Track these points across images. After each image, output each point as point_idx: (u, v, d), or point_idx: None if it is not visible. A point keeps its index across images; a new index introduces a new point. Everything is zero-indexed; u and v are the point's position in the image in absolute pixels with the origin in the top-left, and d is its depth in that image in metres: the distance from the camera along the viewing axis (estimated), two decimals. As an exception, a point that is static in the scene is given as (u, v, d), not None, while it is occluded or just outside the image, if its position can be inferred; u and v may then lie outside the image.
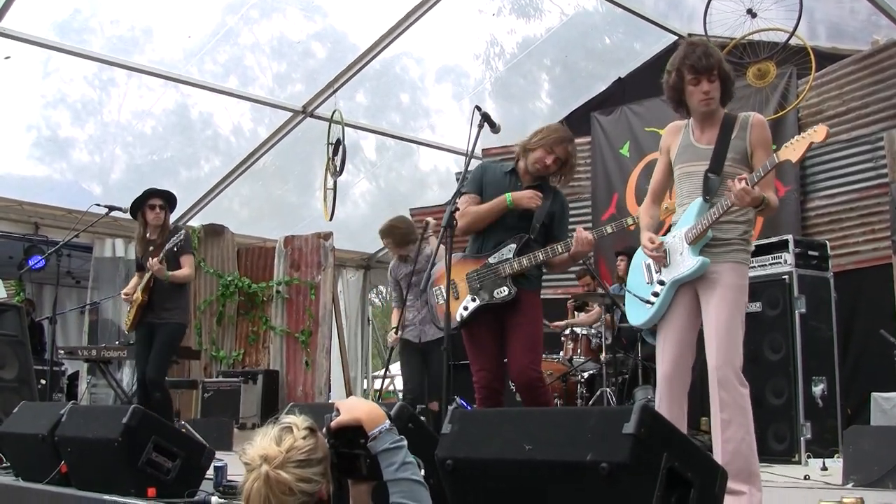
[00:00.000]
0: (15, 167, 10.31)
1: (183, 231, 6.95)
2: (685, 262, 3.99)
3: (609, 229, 4.93)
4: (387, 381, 15.80)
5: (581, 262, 8.71)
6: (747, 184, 3.74)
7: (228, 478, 4.47)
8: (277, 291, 11.70)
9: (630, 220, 4.83)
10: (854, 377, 7.73)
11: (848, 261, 8.22)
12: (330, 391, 11.68)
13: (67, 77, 9.65)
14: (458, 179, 6.06)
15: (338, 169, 9.88)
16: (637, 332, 7.97)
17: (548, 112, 11.27)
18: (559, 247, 4.85)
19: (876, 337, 7.07)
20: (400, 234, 7.30)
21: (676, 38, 10.12)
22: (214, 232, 11.64)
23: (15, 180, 10.26)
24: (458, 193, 4.92)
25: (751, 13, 8.24)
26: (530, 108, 11.60)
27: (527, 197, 4.86)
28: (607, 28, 10.73)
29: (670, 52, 4.35)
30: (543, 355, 6.44)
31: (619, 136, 10.44)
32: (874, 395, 6.54)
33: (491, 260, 4.89)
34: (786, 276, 6.88)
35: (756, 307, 6.83)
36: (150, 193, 7.18)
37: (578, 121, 11.06)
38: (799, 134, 3.86)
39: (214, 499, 4.15)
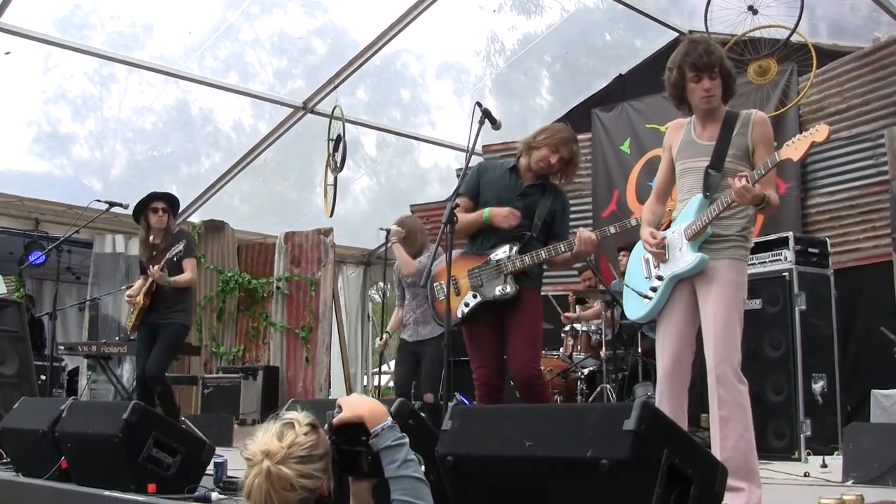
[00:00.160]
0: (15, 163, 10.31)
1: (184, 240, 6.94)
2: (684, 257, 3.99)
3: (612, 229, 4.93)
4: (386, 377, 15.85)
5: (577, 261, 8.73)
6: (748, 181, 3.74)
7: (228, 474, 4.48)
8: (278, 287, 11.71)
9: (634, 221, 4.82)
10: (854, 374, 7.73)
11: (848, 258, 8.22)
12: (330, 387, 11.69)
13: (68, 73, 9.65)
14: (458, 176, 6.06)
15: (338, 165, 9.88)
16: (637, 329, 7.98)
17: (548, 109, 11.27)
18: (562, 246, 4.84)
19: (876, 334, 7.07)
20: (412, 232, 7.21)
21: (677, 34, 10.11)
22: (215, 228, 11.64)
23: (15, 176, 10.26)
24: (459, 190, 4.92)
25: (752, 10, 8.23)
26: (531, 105, 11.60)
27: (502, 215, 4.84)
28: (608, 25, 10.72)
29: (671, 48, 4.35)
30: (543, 351, 6.46)
31: (620, 133, 10.44)
32: (874, 392, 6.54)
33: (493, 257, 4.89)
34: (786, 273, 6.88)
35: (756, 304, 6.83)
36: (153, 197, 7.17)
37: (579, 117, 11.04)
38: (800, 131, 3.86)
39: (214, 495, 4.15)
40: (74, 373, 11.44)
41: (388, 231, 7.07)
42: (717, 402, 3.84)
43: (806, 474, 5.39)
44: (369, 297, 14.04)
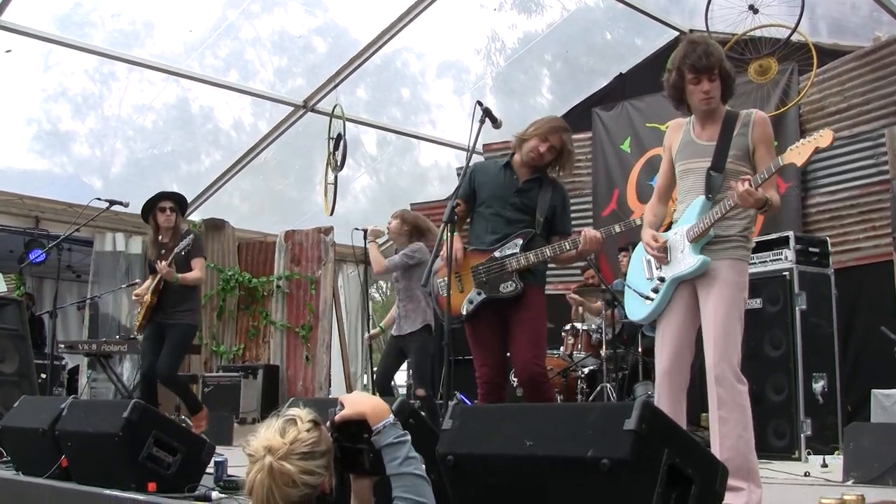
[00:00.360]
0: (15, 161, 10.31)
1: (192, 235, 6.96)
2: (686, 260, 3.98)
3: (617, 228, 4.92)
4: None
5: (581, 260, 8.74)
6: (751, 185, 3.73)
7: (229, 473, 4.48)
8: (278, 286, 11.71)
9: (638, 220, 4.82)
10: (854, 374, 7.73)
11: (849, 257, 8.22)
12: (330, 386, 11.69)
13: (68, 71, 9.64)
14: (458, 175, 6.07)
15: (339, 164, 9.88)
16: (638, 328, 7.98)
17: (549, 107, 11.27)
18: (566, 244, 4.84)
19: (876, 334, 7.07)
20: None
21: (678, 33, 10.11)
22: (215, 226, 11.64)
23: (15, 174, 10.26)
24: (460, 187, 4.92)
25: (752, 9, 8.24)
26: (531, 104, 11.59)
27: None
28: (608, 24, 10.72)
29: (671, 47, 4.35)
30: (543, 350, 6.46)
31: (620, 132, 10.44)
32: (874, 391, 6.54)
33: (497, 254, 4.88)
34: (786, 273, 6.87)
35: (757, 303, 6.83)
36: (161, 196, 7.18)
37: (579, 116, 11.05)
38: (800, 130, 3.87)
39: (215, 493, 4.16)
40: (75, 371, 11.44)
41: (366, 231, 7.21)
42: (716, 401, 3.84)
43: (806, 474, 5.39)
44: (370, 296, 14.04)
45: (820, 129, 3.79)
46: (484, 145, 10.15)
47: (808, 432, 6.59)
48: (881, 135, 8.07)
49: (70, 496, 4.40)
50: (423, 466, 2.67)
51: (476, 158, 6.96)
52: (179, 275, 6.87)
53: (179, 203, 7.23)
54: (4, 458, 5.45)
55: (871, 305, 7.94)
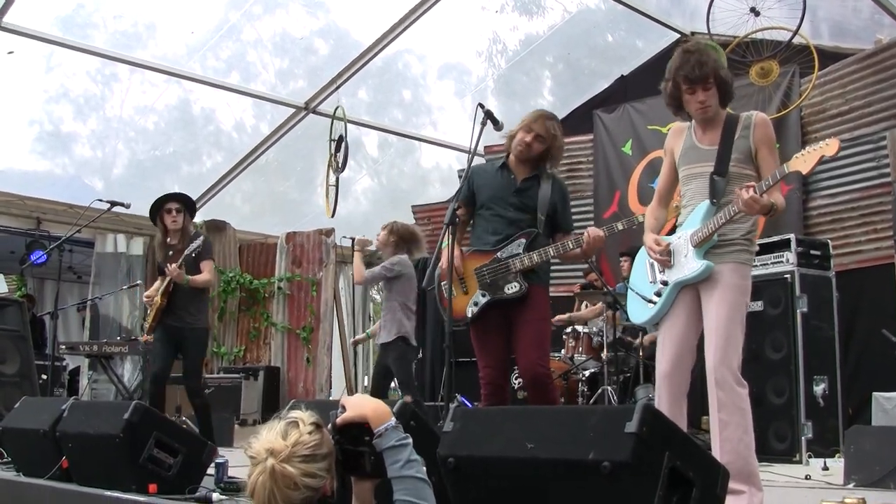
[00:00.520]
0: (17, 162, 10.31)
1: (202, 237, 6.96)
2: (689, 264, 3.98)
3: (620, 226, 4.92)
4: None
5: (585, 259, 8.73)
6: (755, 192, 3.73)
7: (229, 474, 4.48)
8: (279, 288, 11.71)
9: (640, 218, 4.82)
10: (855, 377, 7.72)
11: (850, 260, 8.21)
12: (331, 388, 11.69)
13: (70, 72, 9.65)
14: (460, 177, 6.08)
15: (340, 165, 9.88)
16: (639, 331, 7.99)
17: (550, 109, 11.14)
18: (570, 243, 4.84)
19: (877, 336, 7.07)
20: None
21: (679, 35, 10.12)
22: (216, 228, 11.64)
23: (17, 175, 10.27)
24: (460, 191, 4.92)
25: (754, 11, 8.23)
26: (533, 106, 11.52)
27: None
28: (610, 26, 10.72)
29: (673, 50, 4.34)
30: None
31: (622, 134, 10.44)
32: (875, 394, 6.53)
33: (500, 255, 4.88)
34: (788, 276, 6.87)
35: (758, 306, 6.82)
36: (167, 198, 7.18)
37: (581, 118, 11.06)
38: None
39: (215, 495, 4.16)
40: (75, 372, 11.45)
41: (354, 239, 7.35)
42: (716, 405, 3.84)
43: (807, 477, 5.39)
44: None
45: (825, 136, 3.79)
46: (485, 147, 10.15)
47: (809, 435, 6.59)
48: (882, 137, 8.07)
49: (71, 497, 4.40)
50: (425, 469, 2.67)
51: (478, 161, 6.98)
52: (189, 276, 6.87)
53: (186, 204, 7.22)
54: (5, 459, 5.45)
55: (872, 308, 7.94)
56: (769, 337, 6.85)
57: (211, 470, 4.47)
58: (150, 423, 4.24)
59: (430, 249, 11.41)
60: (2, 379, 7.36)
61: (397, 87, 11.27)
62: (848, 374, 7.43)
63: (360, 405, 2.71)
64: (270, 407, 10.11)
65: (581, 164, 10.78)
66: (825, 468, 5.81)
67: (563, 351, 8.81)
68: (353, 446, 2.70)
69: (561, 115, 11.11)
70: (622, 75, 11.06)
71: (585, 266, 8.95)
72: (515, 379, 7.53)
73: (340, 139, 9.82)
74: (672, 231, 4.23)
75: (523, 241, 4.87)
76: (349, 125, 9.93)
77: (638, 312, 4.27)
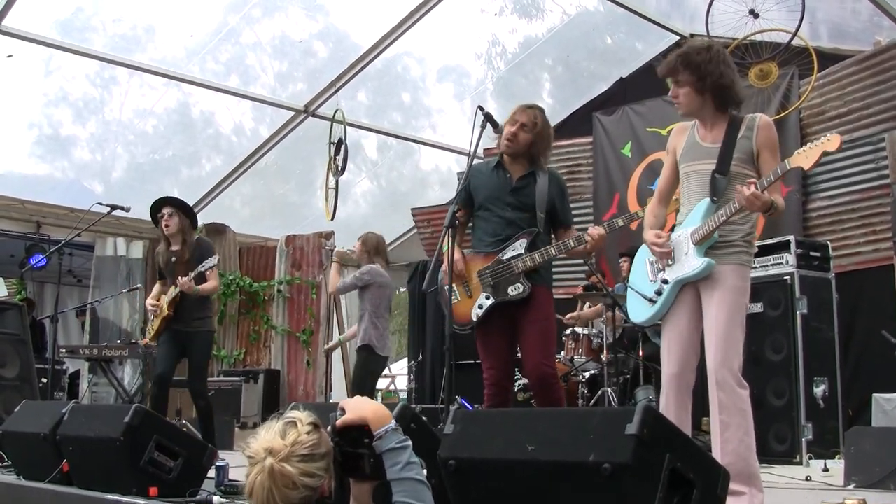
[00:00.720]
0: (17, 165, 10.31)
1: (216, 256, 6.99)
2: (690, 262, 3.98)
3: (620, 222, 4.92)
4: (387, 381, 15.85)
5: (584, 261, 8.75)
6: (756, 188, 3.73)
7: (230, 477, 4.48)
8: (279, 291, 11.71)
9: (641, 213, 4.82)
10: (855, 378, 7.72)
11: (849, 262, 8.22)
12: (331, 390, 11.68)
13: (69, 75, 9.64)
14: (459, 179, 6.09)
15: (340, 168, 9.88)
16: (638, 332, 7.98)
17: (549, 112, 11.02)
18: (571, 242, 4.85)
19: (877, 338, 7.08)
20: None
21: (678, 38, 10.12)
22: (216, 231, 11.64)
23: (17, 179, 10.27)
24: (460, 193, 4.92)
25: (753, 14, 8.24)
26: (532, 108, 11.59)
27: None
28: (609, 28, 10.72)
29: (672, 51, 4.35)
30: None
31: (621, 136, 10.44)
32: (875, 396, 6.54)
33: (502, 256, 4.88)
34: (787, 277, 6.88)
35: (758, 308, 6.82)
36: (157, 205, 7.19)
37: (580, 121, 11.06)
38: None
39: (216, 498, 4.15)
40: (75, 376, 11.44)
41: (333, 251, 7.82)
42: (717, 406, 3.84)
43: (808, 478, 5.39)
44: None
45: (828, 133, 3.79)
46: (485, 150, 10.13)
47: (810, 436, 6.59)
48: (881, 139, 8.07)
49: (71, 501, 4.40)
50: (424, 472, 2.67)
51: (476, 163, 6.99)
52: (198, 286, 6.89)
53: (178, 206, 7.21)
54: (5, 463, 5.45)
55: (871, 309, 7.94)
56: (769, 338, 6.85)
57: (211, 473, 4.47)
58: (150, 426, 4.24)
59: (429, 252, 11.46)
60: (2, 382, 7.37)
61: (397, 90, 11.27)
62: (848, 376, 7.43)
63: (360, 408, 2.71)
64: (271, 410, 10.08)
65: (580, 166, 10.78)
66: (825, 469, 5.80)
67: (563, 352, 8.81)
68: (352, 448, 2.70)
69: (560, 117, 11.20)
70: (621, 77, 11.05)
71: (587, 268, 8.97)
72: (515, 381, 7.56)
73: (340, 142, 9.82)
74: (671, 229, 4.23)
75: (524, 241, 4.87)
76: (349, 128, 9.92)
77: (638, 311, 4.26)
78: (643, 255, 4.32)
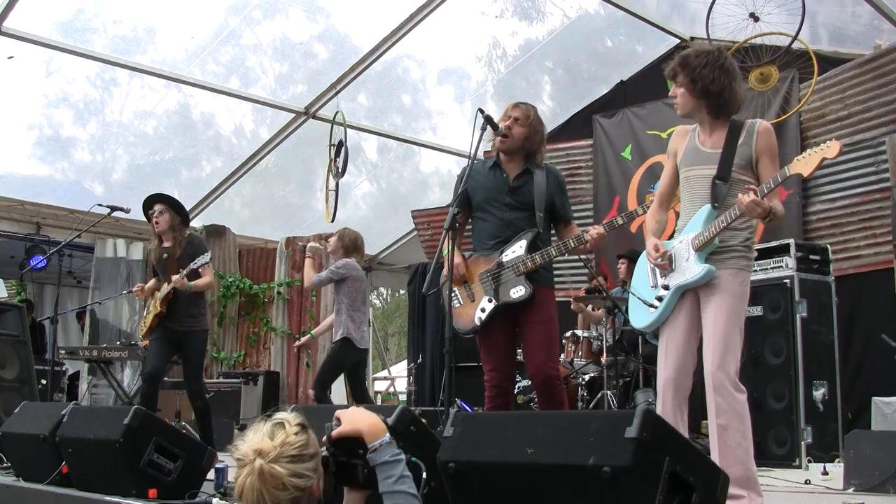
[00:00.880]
0: (17, 167, 10.31)
1: (208, 253, 6.98)
2: (691, 268, 3.99)
3: (620, 220, 4.92)
4: (387, 383, 15.86)
5: (584, 264, 8.75)
6: (756, 195, 3.73)
7: (229, 479, 4.47)
8: (278, 293, 11.72)
9: (640, 210, 4.82)
10: (855, 381, 7.73)
11: (849, 265, 8.22)
12: (330, 392, 11.65)
13: (70, 77, 9.64)
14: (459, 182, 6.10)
15: (340, 170, 9.88)
16: (638, 335, 7.98)
17: (549, 115, 11.26)
18: (571, 241, 4.86)
19: (877, 341, 7.06)
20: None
21: (679, 41, 10.12)
22: (216, 232, 11.65)
23: (17, 180, 10.27)
24: (459, 195, 4.92)
25: (753, 17, 8.24)
26: (532, 111, 11.58)
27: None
28: (609, 31, 10.71)
29: (672, 55, 4.36)
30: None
31: (621, 139, 10.45)
32: (875, 399, 6.54)
33: (503, 258, 4.88)
34: (787, 280, 6.88)
35: (757, 311, 6.83)
36: (147, 204, 7.18)
37: (580, 123, 11.07)
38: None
39: (216, 500, 4.15)
40: (75, 377, 11.44)
41: (306, 246, 8.02)
42: (714, 410, 3.85)
43: (807, 482, 5.38)
44: (370, 303, 14.03)
45: (824, 141, 3.79)
46: (485, 153, 10.13)
47: (809, 440, 6.59)
48: (882, 142, 8.08)
49: (70, 502, 4.40)
50: (423, 474, 2.68)
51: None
52: (192, 283, 6.89)
53: (168, 203, 7.20)
54: (5, 464, 5.46)
55: (871, 313, 7.94)
56: (769, 342, 6.85)
57: (211, 475, 4.47)
58: (150, 427, 4.24)
59: (430, 254, 11.47)
60: (1, 384, 7.37)
61: (397, 92, 11.26)
62: (847, 379, 7.43)
63: (356, 420, 2.72)
64: (270, 411, 10.09)
65: (580, 168, 10.79)
66: (825, 473, 5.80)
67: (562, 355, 8.81)
68: (347, 458, 2.72)
69: (560, 119, 11.21)
70: (622, 80, 11.06)
71: (587, 271, 8.97)
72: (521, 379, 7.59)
73: (340, 144, 9.82)
74: (671, 236, 4.24)
75: (524, 242, 4.87)
76: (349, 130, 9.93)
77: (639, 317, 4.27)
78: (645, 261, 4.32)
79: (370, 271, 13.37)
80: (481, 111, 4.79)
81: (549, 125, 10.20)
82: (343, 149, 9.78)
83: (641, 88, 10.46)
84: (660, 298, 4.11)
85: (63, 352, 9.83)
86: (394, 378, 15.29)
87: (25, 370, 7.59)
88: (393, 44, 9.67)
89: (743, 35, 8.35)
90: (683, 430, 3.96)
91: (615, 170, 10.48)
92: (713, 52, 4.10)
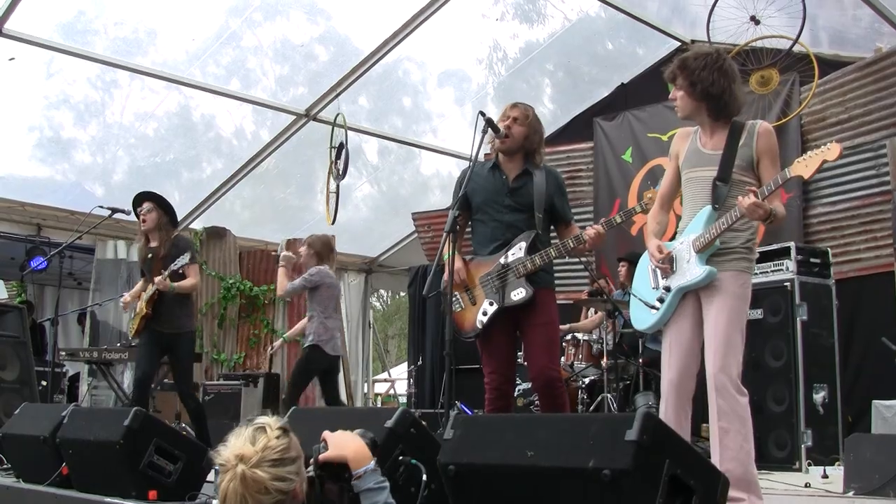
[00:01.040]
0: (17, 168, 10.30)
1: (188, 252, 6.94)
2: (692, 270, 3.99)
3: (618, 219, 4.92)
4: (386, 385, 15.85)
5: (584, 267, 8.74)
6: (757, 197, 3.74)
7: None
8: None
9: (638, 208, 4.82)
10: (855, 384, 7.73)
11: (850, 268, 8.22)
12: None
13: (70, 78, 9.64)
14: (459, 185, 6.10)
15: (340, 173, 9.88)
16: (639, 338, 7.98)
17: (550, 117, 11.27)
18: (570, 242, 4.86)
19: (877, 344, 7.07)
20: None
21: (679, 44, 10.12)
22: (216, 234, 11.64)
23: (17, 181, 10.26)
24: (459, 198, 4.92)
25: (754, 20, 8.25)
26: (533, 113, 11.57)
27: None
28: (610, 33, 10.71)
29: (673, 57, 4.37)
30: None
31: (622, 142, 10.45)
32: (875, 402, 6.54)
33: (503, 261, 4.88)
34: (788, 283, 6.88)
35: (758, 314, 6.83)
36: (136, 200, 7.17)
37: (581, 126, 11.07)
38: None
39: (215, 502, 4.14)
40: (75, 378, 11.44)
41: (278, 256, 8.08)
42: (716, 413, 3.85)
43: (807, 485, 5.39)
44: (370, 305, 14.04)
45: (827, 142, 3.79)
46: (486, 155, 10.15)
47: (809, 443, 6.59)
48: (882, 146, 8.07)
49: (71, 504, 4.41)
50: (423, 476, 2.70)
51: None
52: (175, 284, 6.86)
53: (157, 202, 7.18)
54: (5, 466, 5.46)
55: (871, 316, 7.94)
56: (769, 345, 6.86)
57: (211, 476, 4.47)
58: (150, 429, 4.25)
59: (430, 257, 11.47)
60: (2, 385, 7.38)
61: (397, 95, 11.26)
62: (848, 382, 7.43)
63: (342, 446, 2.75)
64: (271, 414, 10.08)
65: (581, 171, 10.79)
66: (825, 476, 5.81)
67: (562, 358, 8.80)
68: (332, 481, 2.75)
69: (561, 122, 11.21)
70: (622, 83, 11.06)
71: (588, 274, 8.98)
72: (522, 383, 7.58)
73: (341, 146, 9.82)
74: (672, 237, 4.24)
75: (523, 244, 4.87)
76: (349, 132, 9.93)
77: (641, 318, 4.27)
78: (646, 263, 4.32)
79: (370, 273, 13.39)
80: (482, 114, 4.79)
81: (550, 128, 10.24)
82: (344, 151, 9.78)
83: (642, 91, 10.46)
84: (661, 300, 4.11)
85: (63, 353, 9.82)
86: (394, 380, 15.30)
87: (26, 371, 7.59)
88: (394, 46, 9.66)
89: (744, 38, 8.36)
90: (686, 433, 3.96)
91: (616, 172, 10.48)
92: (712, 54, 4.10)
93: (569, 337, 8.81)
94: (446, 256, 4.60)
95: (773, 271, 7.03)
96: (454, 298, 4.95)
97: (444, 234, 4.56)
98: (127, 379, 10.30)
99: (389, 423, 3.19)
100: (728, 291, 3.91)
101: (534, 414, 6.74)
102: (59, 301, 8.19)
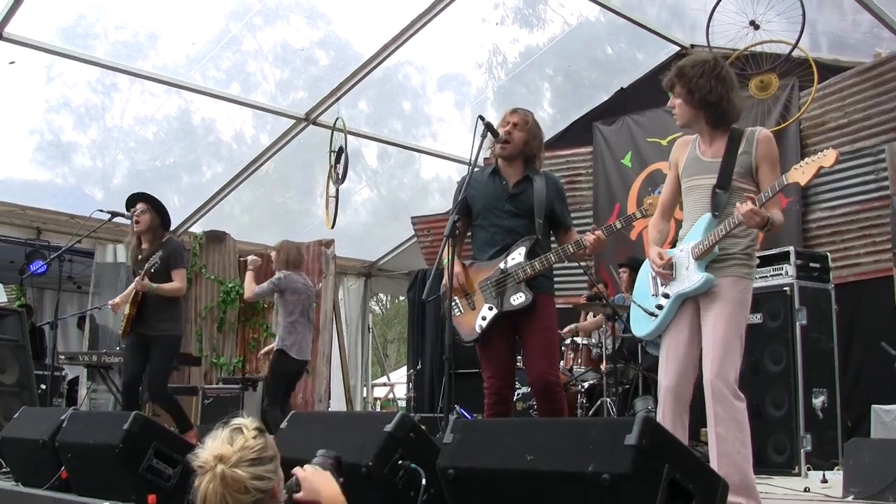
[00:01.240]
0: (17, 172, 10.31)
1: (170, 250, 6.92)
2: (690, 277, 3.99)
3: (618, 224, 4.92)
4: (385, 389, 15.86)
5: (584, 271, 8.76)
6: (755, 204, 3.74)
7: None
8: (278, 298, 11.69)
9: (638, 214, 4.83)
10: (855, 389, 7.73)
11: (849, 273, 8.22)
12: (330, 398, 11.68)
13: (70, 82, 9.64)
14: (459, 189, 6.11)
15: (340, 176, 9.88)
16: (638, 343, 7.98)
17: (549, 121, 11.28)
18: (570, 247, 4.86)
19: (876, 349, 7.07)
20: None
21: (679, 48, 10.14)
22: (216, 238, 11.65)
23: (17, 185, 10.26)
24: (459, 203, 4.92)
25: (753, 25, 8.25)
26: (532, 118, 11.58)
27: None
28: (610, 38, 10.72)
29: (673, 62, 4.38)
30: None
31: (621, 146, 10.46)
32: (874, 407, 6.53)
33: (502, 266, 4.88)
34: (787, 288, 6.89)
35: (757, 318, 6.83)
36: (129, 201, 7.17)
37: (580, 130, 11.08)
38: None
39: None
40: (74, 382, 11.44)
41: (246, 260, 8.30)
42: (713, 418, 3.85)
43: (806, 489, 5.39)
44: (369, 309, 14.04)
45: (824, 149, 3.81)
46: (485, 160, 10.15)
47: (808, 447, 6.59)
48: (881, 150, 8.09)
49: (70, 508, 4.40)
50: (423, 480, 2.69)
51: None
52: (156, 285, 6.85)
53: (151, 204, 7.17)
54: (4, 469, 5.46)
55: (871, 321, 7.94)
56: (768, 349, 6.86)
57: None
58: (149, 433, 4.24)
59: (430, 261, 11.47)
60: (1, 389, 7.37)
61: (397, 99, 11.26)
62: (847, 387, 7.44)
63: (316, 490, 2.72)
64: (269, 417, 10.08)
65: (580, 175, 10.80)
66: (824, 481, 5.81)
67: (562, 362, 8.81)
68: None
69: (560, 127, 11.22)
70: (622, 87, 11.07)
71: (587, 279, 8.98)
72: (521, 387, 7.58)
73: (340, 150, 9.82)
74: (673, 244, 4.25)
75: (523, 249, 4.87)
76: (349, 136, 9.93)
77: (640, 325, 4.28)
78: (646, 270, 4.33)
79: (370, 277, 13.39)
80: (482, 118, 4.79)
81: (550, 132, 10.25)
82: (343, 155, 9.78)
83: (641, 96, 10.47)
84: (660, 307, 4.12)
85: (63, 357, 9.82)
86: (393, 384, 15.30)
87: (25, 375, 7.58)
88: (393, 50, 9.66)
89: (743, 43, 8.36)
90: (684, 438, 3.96)
91: (615, 177, 10.49)
92: (709, 61, 4.10)
93: (568, 341, 8.82)
94: (446, 261, 4.60)
95: (772, 276, 7.04)
96: (453, 303, 4.95)
97: (444, 239, 4.56)
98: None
99: (389, 428, 3.19)
100: (727, 297, 3.91)
101: (533, 418, 6.74)
102: (59, 305, 8.18)
